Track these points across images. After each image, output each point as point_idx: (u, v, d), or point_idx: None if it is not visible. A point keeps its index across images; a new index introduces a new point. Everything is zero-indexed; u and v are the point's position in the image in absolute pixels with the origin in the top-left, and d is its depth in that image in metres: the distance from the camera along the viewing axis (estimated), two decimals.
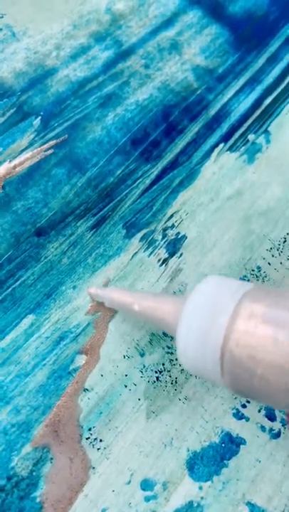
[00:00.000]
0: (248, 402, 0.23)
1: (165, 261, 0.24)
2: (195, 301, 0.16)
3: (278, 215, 0.27)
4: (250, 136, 0.29)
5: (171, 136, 0.27)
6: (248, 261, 0.25)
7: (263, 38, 0.32)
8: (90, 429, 0.21)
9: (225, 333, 0.14)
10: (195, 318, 0.15)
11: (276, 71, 0.31)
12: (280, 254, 0.26)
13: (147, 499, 0.20)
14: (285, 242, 0.26)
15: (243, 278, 0.25)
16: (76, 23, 0.29)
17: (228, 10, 0.32)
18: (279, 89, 0.30)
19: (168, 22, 0.31)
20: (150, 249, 0.24)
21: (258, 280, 0.25)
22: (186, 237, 0.25)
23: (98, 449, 0.20)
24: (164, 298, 0.19)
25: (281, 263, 0.26)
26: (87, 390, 0.21)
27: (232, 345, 0.14)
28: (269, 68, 0.31)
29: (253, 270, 0.25)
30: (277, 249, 0.26)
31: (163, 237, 0.25)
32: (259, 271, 0.25)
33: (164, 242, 0.25)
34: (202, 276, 0.22)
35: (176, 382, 0.22)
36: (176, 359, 0.23)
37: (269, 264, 0.26)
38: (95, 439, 0.20)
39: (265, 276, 0.25)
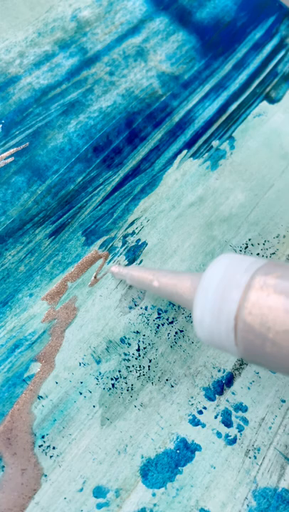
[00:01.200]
0: (205, 408, 0.23)
1: None
2: (210, 276, 0.16)
3: (241, 221, 0.27)
4: (214, 143, 0.29)
5: (134, 143, 0.27)
6: None
7: (230, 44, 0.32)
8: (43, 437, 0.21)
9: (238, 304, 0.15)
10: (210, 291, 0.16)
11: (242, 77, 0.31)
12: None
13: (99, 506, 0.20)
14: (246, 248, 0.26)
15: None
16: (41, 31, 0.29)
17: (196, 16, 0.32)
18: (245, 95, 0.31)
19: (134, 29, 0.31)
20: (110, 256, 0.25)
21: None
22: (147, 244, 0.25)
23: (51, 456, 0.20)
24: (182, 275, 0.19)
25: None
26: (41, 397, 0.21)
27: (245, 313, 0.15)
28: (235, 74, 0.31)
29: None
30: None
31: (123, 244, 0.25)
32: None
33: (124, 249, 0.25)
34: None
35: (132, 389, 0.22)
36: (133, 366, 0.23)
37: None
38: (48, 446, 0.21)
39: None
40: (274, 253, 0.27)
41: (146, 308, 0.24)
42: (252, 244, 0.27)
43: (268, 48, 0.33)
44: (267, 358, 0.15)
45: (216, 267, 0.17)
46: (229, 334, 0.16)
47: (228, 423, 0.23)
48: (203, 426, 0.22)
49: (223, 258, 0.17)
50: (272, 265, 0.16)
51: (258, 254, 0.26)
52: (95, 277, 0.24)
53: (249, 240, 0.27)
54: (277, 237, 0.27)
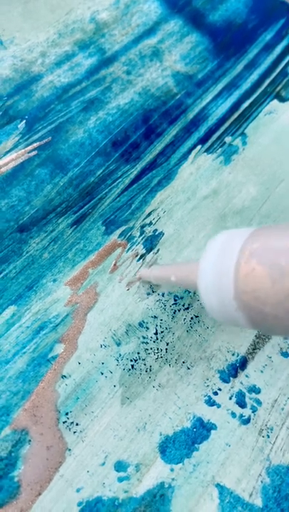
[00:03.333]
0: (220, 389, 0.24)
1: (142, 256, 0.26)
2: (207, 258, 0.16)
3: (253, 214, 0.28)
4: (227, 139, 0.30)
5: (151, 139, 0.29)
6: None
7: (242, 45, 0.33)
8: (66, 414, 0.22)
9: (233, 285, 0.15)
10: (209, 273, 0.16)
11: (254, 77, 0.32)
12: None
13: (120, 480, 0.21)
14: None
15: None
16: (61, 32, 0.31)
17: (208, 19, 0.34)
18: (256, 94, 0.32)
19: (150, 31, 0.32)
20: (128, 245, 0.26)
21: None
22: (163, 234, 0.26)
23: (74, 432, 0.22)
24: (192, 263, 0.19)
25: None
26: (64, 376, 0.22)
27: (240, 293, 0.15)
28: (247, 74, 0.32)
29: None
30: None
31: (141, 234, 0.26)
32: None
33: (142, 239, 0.26)
34: None
35: (150, 371, 0.23)
36: (151, 348, 0.24)
37: None
38: (72, 422, 0.22)
39: None
40: None
41: (163, 295, 0.25)
42: None
43: (278, 49, 0.34)
44: (273, 329, 0.15)
45: (211, 248, 0.17)
46: (236, 314, 0.16)
47: (242, 404, 0.24)
48: (219, 406, 0.23)
49: (217, 237, 0.17)
50: (257, 232, 0.15)
51: None
52: (115, 264, 0.25)
53: None
54: None
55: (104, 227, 0.26)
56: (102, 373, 0.23)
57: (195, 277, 0.18)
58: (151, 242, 0.26)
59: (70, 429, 0.21)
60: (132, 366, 0.23)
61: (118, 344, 0.23)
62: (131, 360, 0.23)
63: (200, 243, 0.27)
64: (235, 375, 0.24)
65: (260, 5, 0.35)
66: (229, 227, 0.27)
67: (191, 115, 0.30)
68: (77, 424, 0.22)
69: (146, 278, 0.24)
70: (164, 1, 0.33)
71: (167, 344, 0.24)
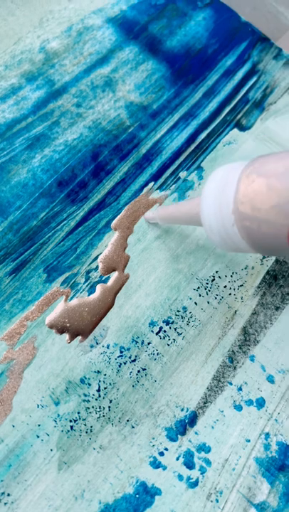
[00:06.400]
0: (166, 449, 0.22)
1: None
2: (208, 186, 0.18)
3: (208, 253, 0.27)
4: (182, 174, 0.28)
5: (100, 177, 0.27)
6: (174, 301, 0.25)
7: (201, 71, 0.32)
8: None
9: (233, 199, 0.17)
10: (210, 198, 0.18)
11: (213, 105, 0.31)
12: (207, 294, 0.26)
13: None
14: (213, 280, 0.26)
15: (168, 319, 0.25)
16: (8, 64, 0.29)
17: (166, 45, 0.32)
18: (215, 123, 0.30)
19: (103, 59, 0.31)
20: (72, 293, 0.24)
21: (182, 321, 0.25)
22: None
23: (5, 503, 0.20)
24: (195, 197, 0.21)
25: (208, 302, 0.26)
26: None
27: (238, 204, 0.16)
28: (206, 102, 0.31)
29: (178, 311, 0.25)
30: (205, 288, 0.26)
31: (86, 280, 0.25)
32: (185, 311, 0.25)
33: (87, 285, 0.25)
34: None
35: (91, 431, 0.22)
36: (93, 407, 0.22)
37: (196, 303, 0.25)
38: (3, 493, 0.20)
39: (191, 317, 0.25)
40: (242, 285, 0.26)
41: (108, 347, 0.24)
42: (219, 277, 0.26)
43: (240, 75, 0.32)
44: (269, 241, 0.16)
45: (213, 177, 0.18)
46: (233, 230, 0.17)
47: (190, 465, 0.22)
48: (164, 468, 0.22)
49: (219, 169, 0.19)
50: (257, 158, 0.17)
51: (225, 286, 0.26)
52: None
53: (216, 272, 0.26)
54: (245, 268, 0.27)
55: (45, 275, 0.24)
56: (38, 436, 0.21)
57: (197, 206, 0.20)
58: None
59: (0, 501, 0.20)
60: (71, 427, 0.22)
61: (57, 403, 0.22)
62: (70, 421, 0.22)
63: (150, 287, 0.25)
64: (183, 433, 0.23)
65: (221, 27, 0.34)
66: (182, 268, 0.26)
67: (143, 149, 0.28)
68: (8, 495, 0.20)
69: (152, 219, 0.26)
70: (119, 27, 0.32)
71: (110, 401, 0.23)
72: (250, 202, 0.16)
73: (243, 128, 0.31)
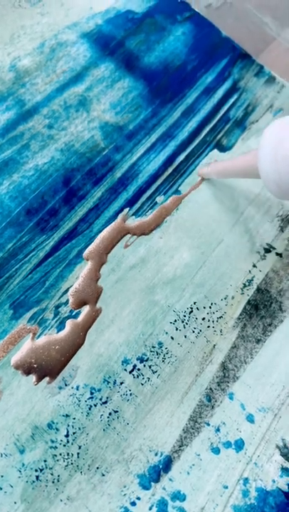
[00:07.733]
0: (138, 498, 0.21)
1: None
2: (265, 138, 0.20)
3: (185, 283, 0.26)
4: (159, 198, 0.27)
5: (71, 203, 0.26)
6: (149, 336, 0.24)
7: (180, 89, 0.31)
8: None
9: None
10: (267, 148, 0.19)
11: (192, 124, 0.30)
12: (184, 327, 0.25)
13: None
14: (191, 312, 0.25)
15: (142, 357, 0.23)
16: None
17: (143, 61, 0.31)
18: (194, 144, 0.29)
19: (77, 77, 0.29)
20: (40, 330, 0.23)
21: (158, 358, 0.24)
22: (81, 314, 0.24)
23: None
24: (252, 151, 0.22)
25: (186, 336, 0.24)
26: None
27: None
28: (184, 121, 0.30)
29: (153, 347, 0.24)
30: (182, 321, 0.25)
31: (55, 316, 0.23)
32: (160, 347, 0.24)
33: (56, 321, 0.23)
34: None
35: (58, 481, 0.21)
36: (60, 454, 0.21)
37: (172, 338, 0.24)
38: None
39: (167, 353, 0.24)
40: (221, 317, 0.25)
41: (77, 388, 0.22)
42: (197, 308, 0.25)
43: (220, 92, 0.31)
44: None
45: (269, 130, 0.20)
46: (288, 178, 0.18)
47: None
48: None
49: (276, 121, 0.20)
50: None
51: (203, 319, 0.25)
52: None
53: (194, 303, 0.25)
54: (225, 298, 0.26)
55: (11, 311, 0.23)
56: (0, 488, 0.20)
57: (254, 158, 0.21)
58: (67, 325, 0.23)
59: None
60: (37, 477, 0.20)
61: (22, 452, 0.21)
62: (36, 470, 0.21)
63: (123, 322, 0.24)
64: (157, 480, 0.21)
65: (201, 43, 0.33)
66: (158, 300, 0.25)
67: (118, 173, 0.27)
68: None
69: (207, 175, 0.27)
70: (94, 43, 0.31)
71: (79, 447, 0.21)
72: None
73: (223, 149, 0.30)
